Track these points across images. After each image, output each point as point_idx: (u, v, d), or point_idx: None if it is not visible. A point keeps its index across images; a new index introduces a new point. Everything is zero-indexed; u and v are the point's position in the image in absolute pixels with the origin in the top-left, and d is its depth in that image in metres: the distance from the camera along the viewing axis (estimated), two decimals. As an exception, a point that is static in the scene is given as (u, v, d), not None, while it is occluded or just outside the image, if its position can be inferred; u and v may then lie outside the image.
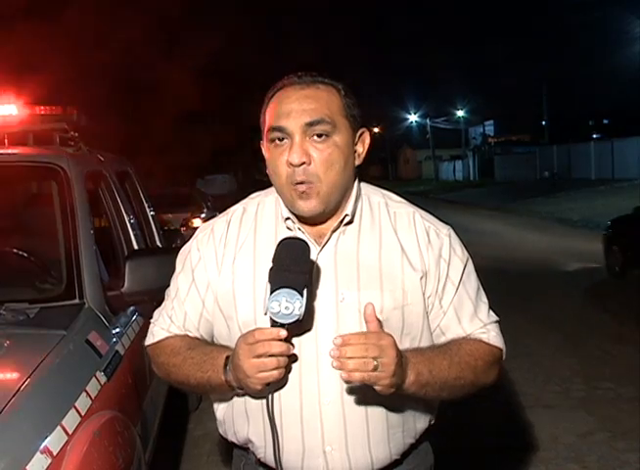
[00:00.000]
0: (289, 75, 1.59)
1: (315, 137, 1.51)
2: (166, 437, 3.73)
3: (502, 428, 4.50)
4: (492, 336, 1.67)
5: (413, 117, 59.82)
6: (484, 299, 1.71)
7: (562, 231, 16.13)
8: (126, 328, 2.89)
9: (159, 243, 4.52)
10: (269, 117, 1.56)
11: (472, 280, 1.68)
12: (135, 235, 3.68)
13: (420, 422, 1.67)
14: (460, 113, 55.47)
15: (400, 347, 1.50)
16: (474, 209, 24.85)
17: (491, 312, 1.71)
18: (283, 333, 1.38)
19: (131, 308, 3.10)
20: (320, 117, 1.51)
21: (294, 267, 1.39)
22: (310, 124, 1.51)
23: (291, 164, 1.50)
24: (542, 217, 20.05)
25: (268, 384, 1.44)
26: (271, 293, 1.38)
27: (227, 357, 1.52)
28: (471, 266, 1.69)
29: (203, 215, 13.00)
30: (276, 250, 1.44)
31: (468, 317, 1.65)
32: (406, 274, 1.58)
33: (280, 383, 1.49)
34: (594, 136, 40.94)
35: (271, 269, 1.42)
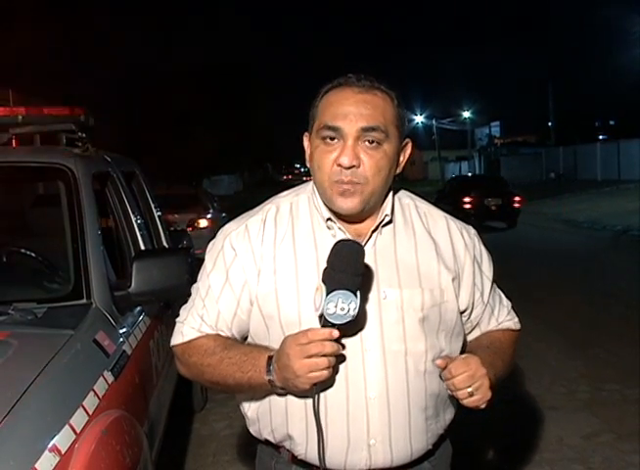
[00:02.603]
0: (347, 75, 1.60)
1: (367, 143, 1.54)
2: (173, 436, 3.75)
3: (507, 429, 4.49)
4: (515, 322, 1.84)
5: (419, 119, 59.63)
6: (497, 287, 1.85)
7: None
8: (133, 328, 2.90)
9: (165, 243, 4.53)
10: (324, 115, 1.57)
11: (492, 272, 1.80)
12: (142, 235, 3.69)
13: (449, 413, 1.75)
14: (466, 114, 55.40)
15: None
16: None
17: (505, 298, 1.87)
18: (335, 333, 1.41)
19: (138, 308, 3.11)
20: (376, 124, 1.54)
21: (349, 269, 1.41)
22: (365, 130, 1.53)
23: (340, 165, 1.53)
24: (547, 219, 20.03)
25: (316, 383, 1.47)
26: (327, 294, 1.40)
27: (269, 357, 1.53)
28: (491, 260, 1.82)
29: (209, 216, 12.96)
30: (332, 251, 1.45)
31: (498, 307, 1.81)
32: (442, 273, 1.64)
33: (326, 381, 1.51)
34: (600, 137, 40.91)
35: (326, 270, 1.43)
